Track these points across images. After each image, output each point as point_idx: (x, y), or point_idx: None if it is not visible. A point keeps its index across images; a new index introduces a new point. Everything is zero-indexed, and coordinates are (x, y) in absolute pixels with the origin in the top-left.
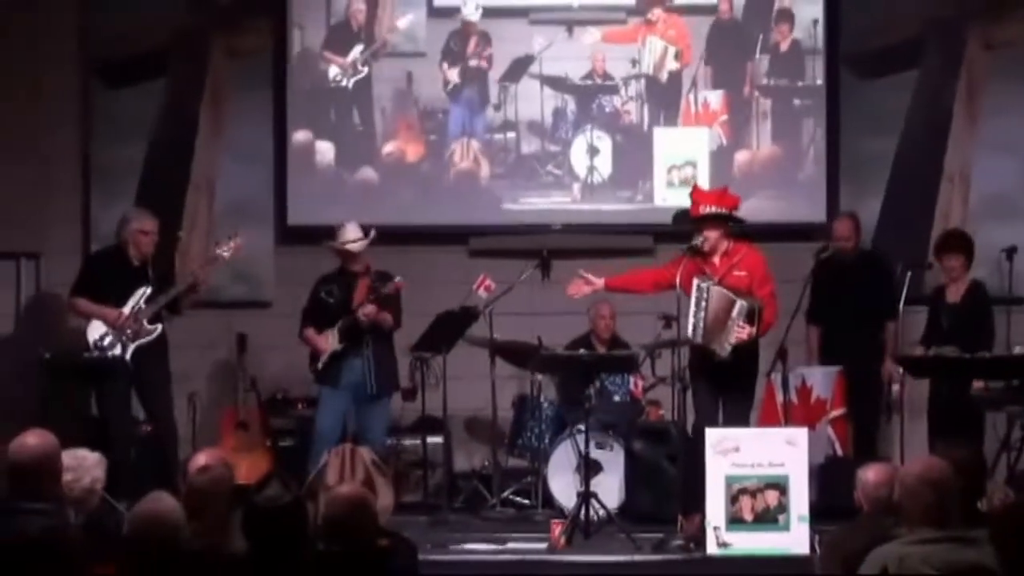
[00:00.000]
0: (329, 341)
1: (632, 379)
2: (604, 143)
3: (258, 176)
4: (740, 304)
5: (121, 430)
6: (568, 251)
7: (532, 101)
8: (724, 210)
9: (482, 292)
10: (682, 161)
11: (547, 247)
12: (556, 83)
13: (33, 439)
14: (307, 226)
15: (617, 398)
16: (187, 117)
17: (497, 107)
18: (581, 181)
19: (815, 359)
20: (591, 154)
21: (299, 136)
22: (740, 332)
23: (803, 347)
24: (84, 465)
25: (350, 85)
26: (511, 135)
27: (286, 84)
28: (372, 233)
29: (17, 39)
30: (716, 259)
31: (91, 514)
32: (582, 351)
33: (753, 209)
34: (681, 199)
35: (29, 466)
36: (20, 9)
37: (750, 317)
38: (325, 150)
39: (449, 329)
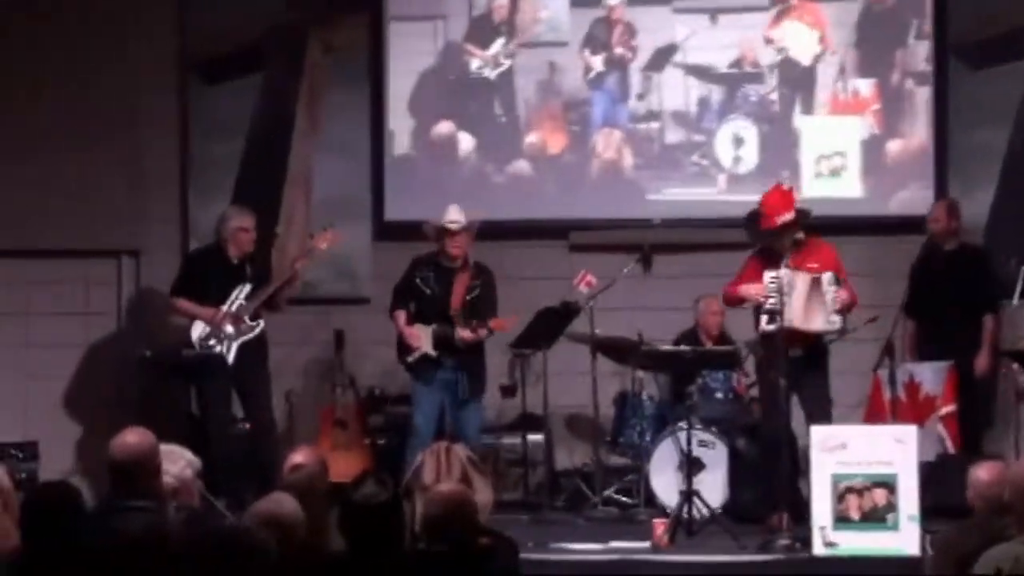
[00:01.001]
0: (423, 340)
1: (735, 376)
2: (749, 132)
3: (355, 171)
4: (826, 274)
5: (220, 428)
6: (669, 246)
7: (675, 90)
8: (793, 212)
9: (583, 288)
10: (831, 151)
11: (648, 242)
12: (700, 72)
13: (133, 437)
14: (404, 222)
15: (720, 395)
16: (284, 113)
17: (641, 96)
18: (726, 172)
19: (911, 354)
20: (736, 144)
21: (442, 128)
22: (840, 296)
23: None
24: (174, 459)
25: (493, 76)
26: (655, 125)
27: (383, 78)
28: (476, 221)
29: (115, 37)
30: (783, 252)
31: (192, 512)
32: (683, 347)
33: (905, 202)
34: (830, 189)
35: (129, 464)
36: (119, 7)
37: (838, 284)
38: (466, 141)
39: (550, 325)
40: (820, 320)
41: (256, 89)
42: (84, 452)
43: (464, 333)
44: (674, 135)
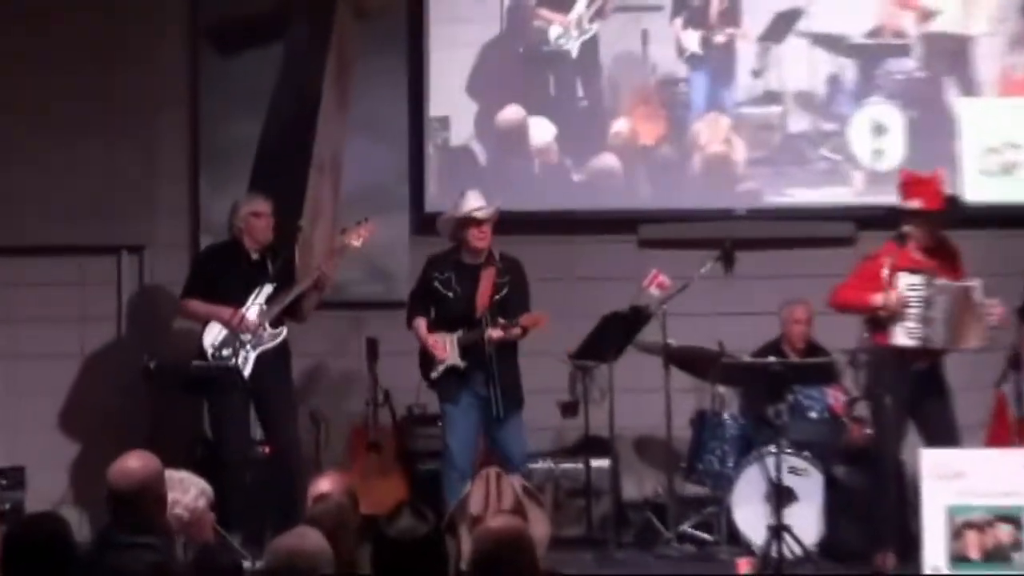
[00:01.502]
0: (448, 350)
1: (831, 392)
2: (893, 119)
3: (391, 156)
4: (978, 283)
5: (236, 452)
6: (755, 241)
7: (799, 66)
8: (945, 199)
9: (654, 290)
10: (1001, 142)
11: (730, 236)
12: (831, 43)
13: (135, 462)
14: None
15: (814, 415)
16: (308, 88)
17: (756, 74)
18: (864, 168)
19: None
20: (876, 133)
21: (509, 113)
22: (993, 311)
23: None
24: (185, 487)
25: (574, 50)
26: (774, 109)
27: (424, 46)
28: (496, 206)
29: (120, 4)
30: (913, 251)
31: (202, 549)
32: (772, 359)
33: None
34: (1000, 191)
35: (131, 493)
36: None
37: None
38: (540, 129)
39: (616, 334)
40: (973, 337)
41: (276, 61)
42: (78, 479)
43: (494, 332)
44: (798, 122)
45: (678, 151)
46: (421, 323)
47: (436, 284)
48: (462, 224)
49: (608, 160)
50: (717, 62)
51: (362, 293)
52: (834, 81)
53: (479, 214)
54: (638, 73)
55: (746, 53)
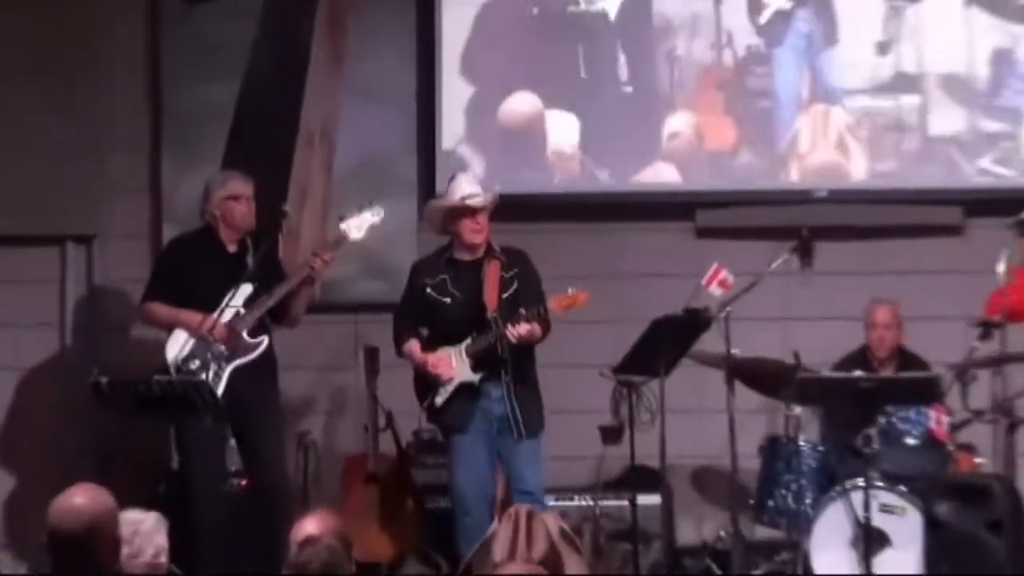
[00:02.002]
0: (454, 366)
1: (933, 414)
2: None
3: (396, 127)
4: None
5: (207, 486)
6: (837, 229)
7: (946, 35)
8: None
9: (715, 289)
10: None
11: (808, 223)
12: (998, 3)
13: (81, 499)
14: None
15: (911, 441)
16: (294, 43)
17: (883, 48)
18: None
19: None
20: None
21: (521, 102)
22: None
23: None
24: (141, 531)
25: (612, 10)
26: (907, 101)
27: None
28: (494, 191)
29: None
30: None
31: None
32: (859, 373)
33: None
34: None
35: (76, 536)
36: None
37: None
38: (564, 126)
39: (669, 342)
40: None
41: (255, 9)
42: (13, 518)
43: (519, 328)
44: (946, 119)
45: (765, 160)
46: (413, 345)
47: (429, 291)
48: (453, 214)
49: (662, 173)
50: (822, 28)
51: (360, 293)
52: (1001, 58)
53: (473, 202)
54: (707, 44)
55: (867, 15)
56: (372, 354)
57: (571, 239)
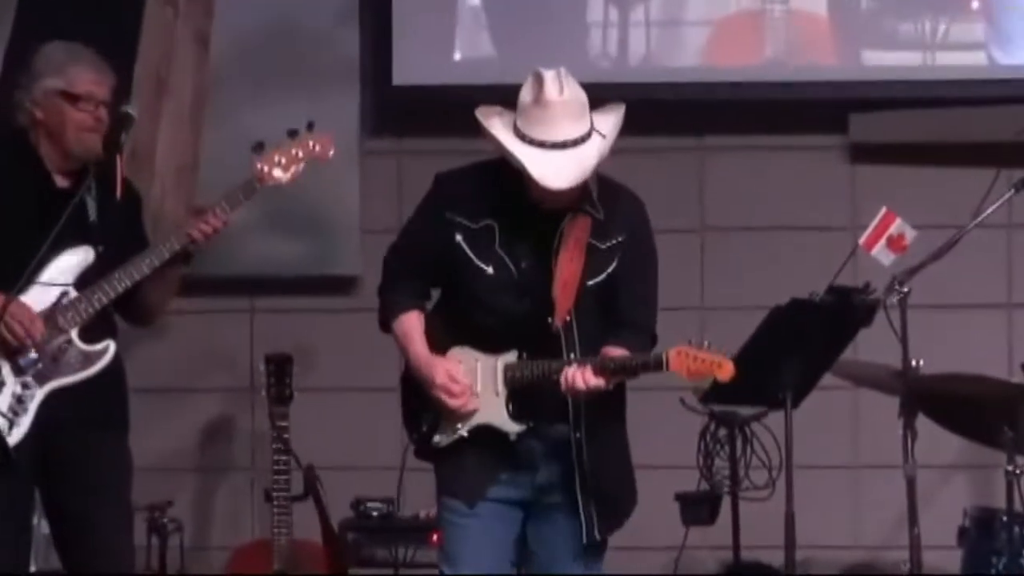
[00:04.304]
0: (480, 390)
1: None
2: None
3: None
4: None
5: None
6: None
7: None
8: None
9: (883, 252)
10: None
11: None
12: None
13: None
14: (449, 87)
15: None
16: None
17: None
18: None
19: None
20: None
21: None
22: None
23: None
24: None
25: None
26: None
27: None
28: (619, 110)
29: None
30: None
31: None
32: None
33: None
34: None
35: None
36: None
37: None
38: None
39: (800, 347)
40: None
41: None
42: None
43: (579, 376)
44: None
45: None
46: (412, 329)
47: (460, 241)
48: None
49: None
50: None
51: (259, 262)
52: None
53: (544, 181)
54: None
55: None
56: (280, 368)
57: (643, 165)
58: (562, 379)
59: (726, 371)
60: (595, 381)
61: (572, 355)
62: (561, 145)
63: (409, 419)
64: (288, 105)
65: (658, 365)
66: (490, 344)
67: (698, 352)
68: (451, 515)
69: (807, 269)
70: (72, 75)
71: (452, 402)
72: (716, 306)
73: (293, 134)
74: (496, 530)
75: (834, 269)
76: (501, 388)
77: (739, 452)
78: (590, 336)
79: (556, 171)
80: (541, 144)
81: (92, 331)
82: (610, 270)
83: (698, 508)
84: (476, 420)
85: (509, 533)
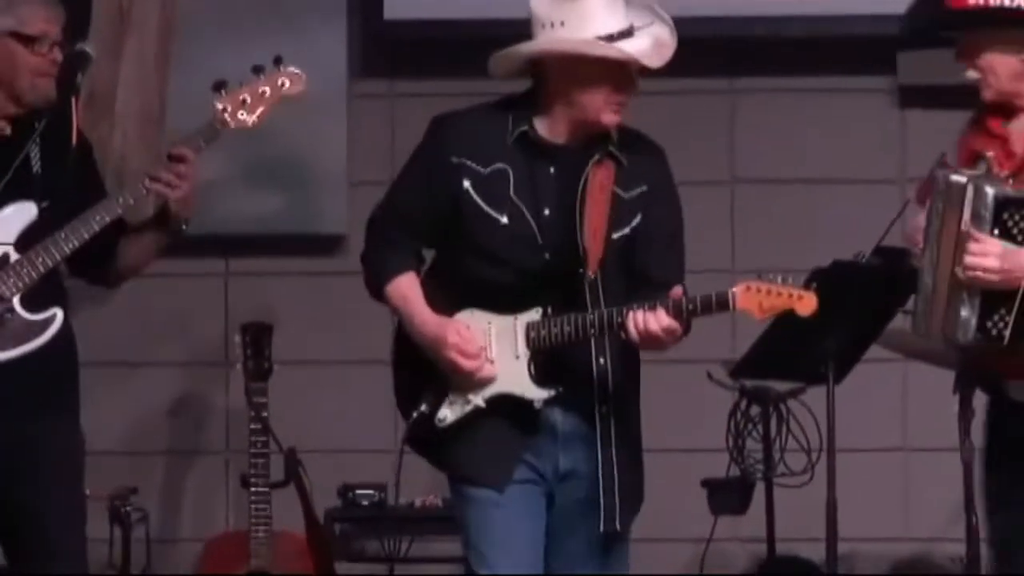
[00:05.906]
0: (495, 356)
1: None
2: None
3: None
4: None
5: None
6: None
7: None
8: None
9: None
10: None
11: None
12: None
13: None
14: (447, 20)
15: None
16: None
17: None
18: None
19: None
20: None
21: None
22: None
23: None
24: None
25: None
26: None
27: None
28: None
29: None
30: (1013, 127)
31: None
32: None
33: None
34: None
35: None
36: None
37: None
38: None
39: (844, 315)
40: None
41: None
42: None
43: (653, 320)
44: None
45: None
46: (409, 282)
47: (469, 188)
48: (583, 71)
49: None
50: None
51: (237, 219)
52: None
53: (648, 60)
54: None
55: None
56: (258, 338)
57: (651, 107)
58: (630, 324)
59: (807, 304)
60: (668, 322)
61: (608, 310)
62: (628, 33)
63: (404, 398)
64: (266, 43)
65: (722, 304)
66: (504, 304)
67: (771, 285)
68: (477, 506)
69: (851, 227)
70: (24, 14)
71: (468, 363)
72: (748, 268)
73: (258, 71)
74: (529, 518)
75: (882, 227)
76: (522, 350)
77: (774, 433)
78: (615, 294)
79: (643, 53)
80: (609, 37)
81: (36, 298)
82: (635, 223)
83: (728, 496)
84: (494, 389)
85: (541, 521)
